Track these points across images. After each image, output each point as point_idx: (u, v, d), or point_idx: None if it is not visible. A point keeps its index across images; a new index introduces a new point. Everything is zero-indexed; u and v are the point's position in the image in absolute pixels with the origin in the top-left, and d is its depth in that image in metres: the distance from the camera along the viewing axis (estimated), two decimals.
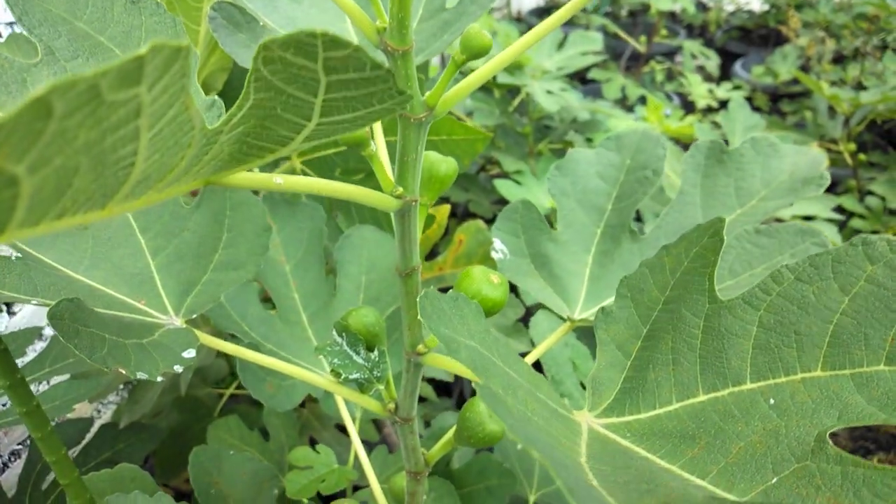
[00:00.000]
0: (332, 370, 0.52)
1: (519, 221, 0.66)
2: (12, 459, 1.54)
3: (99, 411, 1.83)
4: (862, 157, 2.44)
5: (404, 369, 0.50)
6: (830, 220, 1.62)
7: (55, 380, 1.12)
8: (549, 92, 1.89)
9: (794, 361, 0.33)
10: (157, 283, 0.52)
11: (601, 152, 0.69)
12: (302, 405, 1.36)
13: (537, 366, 1.11)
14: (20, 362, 1.17)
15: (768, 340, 0.33)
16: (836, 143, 2.39)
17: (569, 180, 0.68)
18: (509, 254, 0.65)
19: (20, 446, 1.55)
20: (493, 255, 0.64)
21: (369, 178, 0.90)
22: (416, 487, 0.58)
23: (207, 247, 0.53)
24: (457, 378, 1.73)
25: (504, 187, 1.83)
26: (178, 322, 0.51)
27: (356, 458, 1.03)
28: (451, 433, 0.57)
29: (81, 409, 1.65)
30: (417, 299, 0.34)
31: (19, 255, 0.47)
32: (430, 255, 1.37)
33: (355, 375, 0.52)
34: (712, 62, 2.77)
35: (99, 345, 0.39)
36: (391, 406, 0.53)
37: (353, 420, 0.97)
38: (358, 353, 0.52)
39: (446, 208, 1.25)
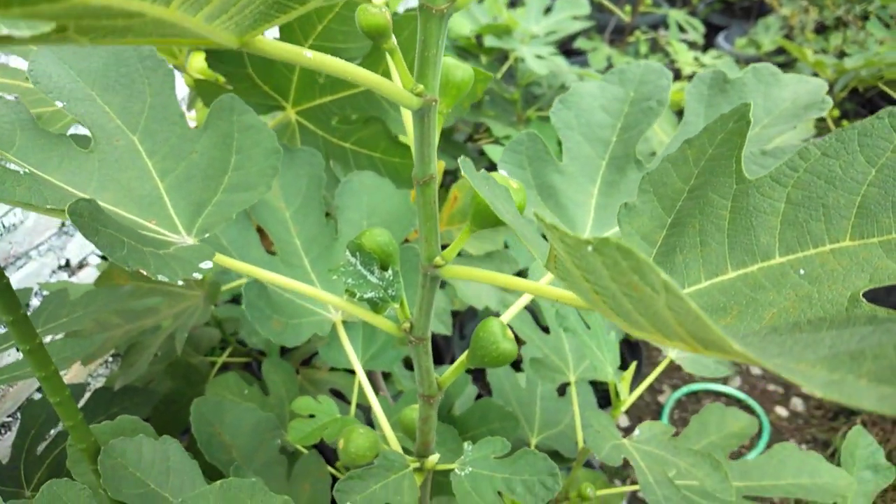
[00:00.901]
0: (346, 290, 0.52)
1: (525, 153, 0.66)
2: (2, 431, 1.52)
3: (89, 384, 1.82)
4: (845, 123, 2.47)
5: (420, 285, 0.50)
6: None
7: (48, 339, 1.11)
8: (538, 56, 1.89)
9: (822, 234, 0.33)
10: (167, 203, 0.51)
11: (604, 86, 0.69)
12: (296, 372, 1.36)
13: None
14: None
15: (796, 215, 0.34)
16: None
17: (573, 113, 0.68)
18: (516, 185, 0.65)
19: (10, 418, 1.53)
20: None
21: (367, 125, 0.90)
22: (429, 412, 0.58)
23: (216, 169, 0.52)
24: (449, 342, 1.74)
25: (495, 153, 1.83)
26: (191, 241, 0.50)
27: (357, 409, 1.03)
28: (463, 356, 0.57)
29: (75, 376, 1.64)
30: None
31: (27, 171, 0.47)
32: None
33: (370, 295, 0.52)
34: (697, 32, 2.78)
35: (118, 245, 0.38)
36: (406, 325, 0.53)
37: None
38: (372, 273, 0.52)
39: (440, 164, 1.24)
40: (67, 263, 1.77)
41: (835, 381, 0.16)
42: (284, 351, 1.47)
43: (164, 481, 0.68)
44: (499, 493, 0.58)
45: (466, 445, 0.61)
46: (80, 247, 1.78)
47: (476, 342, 0.55)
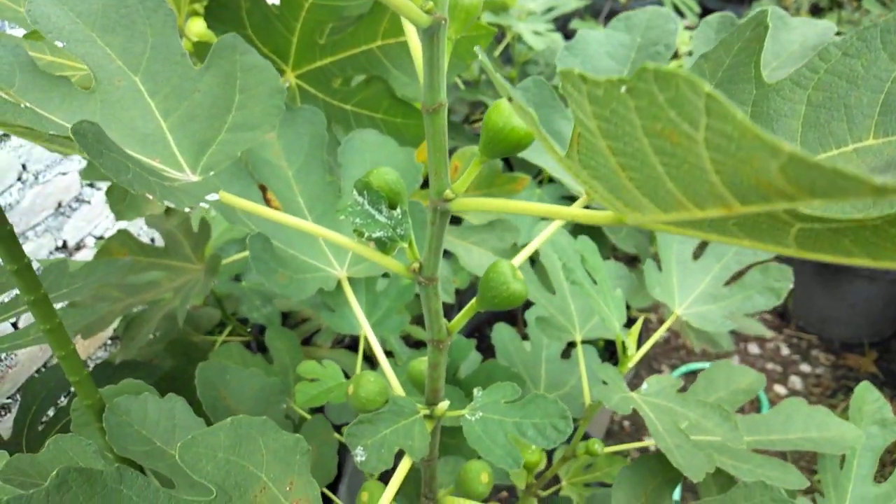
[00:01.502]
0: (354, 230, 0.51)
1: (531, 99, 0.66)
2: (2, 413, 1.51)
3: (87, 367, 1.81)
4: None
5: (429, 222, 0.49)
6: None
7: None
8: (536, 32, 1.88)
9: (844, 134, 0.33)
10: (171, 142, 0.50)
11: (610, 33, 0.68)
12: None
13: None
14: (12, 293, 1.14)
15: (817, 117, 0.33)
16: None
17: (578, 60, 0.67)
18: None
19: (9, 400, 1.52)
20: None
21: (369, 85, 0.89)
22: (438, 358, 0.58)
23: (220, 108, 0.52)
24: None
25: None
26: (195, 179, 0.49)
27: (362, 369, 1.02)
28: (473, 301, 0.57)
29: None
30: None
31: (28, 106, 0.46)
32: (424, 184, 1.35)
33: (378, 234, 0.51)
34: (693, 13, 2.77)
35: (124, 169, 0.37)
36: (415, 266, 0.53)
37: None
38: (380, 212, 0.51)
39: None
40: (65, 245, 1.76)
41: None
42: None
43: (170, 438, 0.67)
44: (511, 436, 0.57)
45: (476, 391, 0.61)
46: (77, 228, 1.77)
47: (485, 284, 0.54)
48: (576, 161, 0.27)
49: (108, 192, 0.85)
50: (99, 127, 0.37)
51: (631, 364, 0.80)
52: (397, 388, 0.67)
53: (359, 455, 0.54)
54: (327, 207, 0.79)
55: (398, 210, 0.52)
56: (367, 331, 0.72)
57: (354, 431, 0.55)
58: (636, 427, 2.16)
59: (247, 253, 1.39)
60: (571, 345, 1.08)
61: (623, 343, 0.79)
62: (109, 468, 0.38)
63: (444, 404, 0.60)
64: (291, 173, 0.80)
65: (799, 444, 0.79)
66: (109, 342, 1.90)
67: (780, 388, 2.37)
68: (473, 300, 0.56)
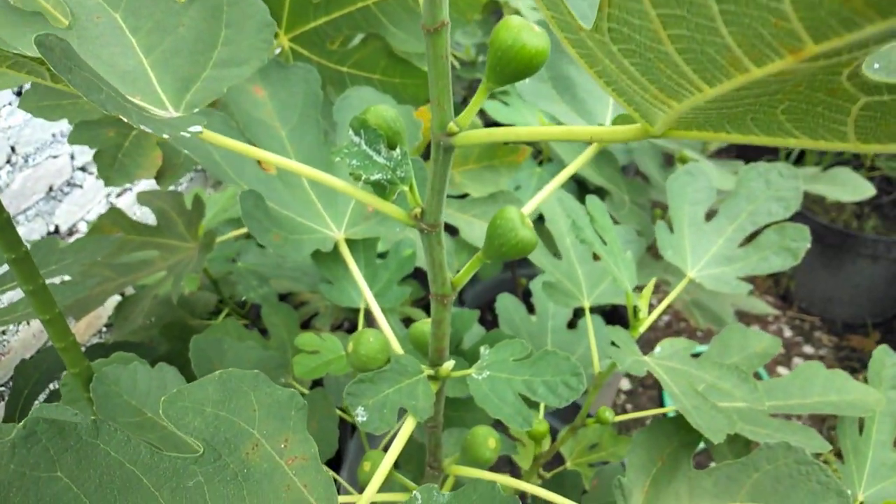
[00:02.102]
0: (350, 173, 0.47)
1: None
2: None
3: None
4: None
5: (432, 160, 0.46)
6: None
7: None
8: (534, 8, 1.83)
9: None
10: (153, 79, 0.46)
11: None
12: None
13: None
14: (1, 270, 1.10)
15: None
16: None
17: (586, 4, 0.64)
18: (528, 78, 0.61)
19: (3, 388, 1.49)
20: None
21: (365, 44, 0.85)
22: (442, 314, 0.54)
23: (205, 43, 0.48)
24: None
25: (492, 109, 1.78)
26: (178, 115, 0.46)
27: None
28: (479, 253, 0.53)
29: None
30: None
31: None
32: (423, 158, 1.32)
33: (376, 176, 0.47)
34: None
35: (95, 89, 0.34)
36: (417, 211, 0.49)
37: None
38: (378, 153, 0.48)
39: (426, 114, 1.20)
40: (57, 230, 1.72)
41: None
42: None
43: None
44: (520, 395, 0.54)
45: (483, 349, 0.57)
46: (69, 213, 1.73)
47: (493, 231, 0.50)
48: (604, 35, 0.24)
49: (97, 157, 0.82)
50: (68, 43, 0.34)
51: (642, 329, 0.77)
52: (399, 352, 0.64)
53: (360, 415, 0.51)
54: (323, 168, 0.75)
55: (398, 150, 0.48)
56: (367, 295, 0.69)
57: (354, 391, 0.51)
58: (639, 409, 2.13)
59: (242, 230, 1.36)
60: (577, 315, 1.05)
61: (634, 306, 0.76)
62: (84, 420, 0.35)
63: (448, 364, 0.57)
64: (285, 133, 0.76)
65: (818, 407, 0.75)
66: (105, 329, 1.87)
67: (783, 370, 2.34)
68: (480, 252, 0.53)
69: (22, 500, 0.31)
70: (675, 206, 0.83)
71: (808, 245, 0.77)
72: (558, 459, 1.35)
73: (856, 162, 2.26)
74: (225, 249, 1.52)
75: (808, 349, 2.40)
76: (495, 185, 1.21)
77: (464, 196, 1.22)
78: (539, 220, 1.22)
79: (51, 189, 1.67)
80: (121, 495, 0.35)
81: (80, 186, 1.77)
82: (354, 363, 0.55)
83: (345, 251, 0.70)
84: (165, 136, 0.36)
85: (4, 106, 1.53)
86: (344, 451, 1.29)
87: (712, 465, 0.61)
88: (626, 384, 2.32)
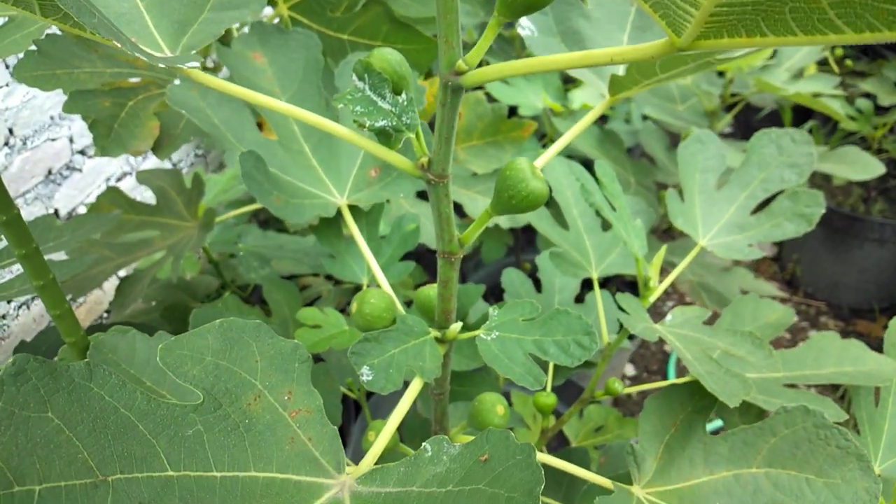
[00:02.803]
0: (354, 120, 0.46)
1: None
2: None
3: None
4: (849, 63, 2.40)
5: (439, 103, 0.44)
6: (835, 96, 1.58)
7: None
8: None
9: None
10: (148, 22, 0.45)
11: None
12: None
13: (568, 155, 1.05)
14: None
15: None
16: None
17: None
18: (537, 31, 0.59)
19: None
20: (520, 31, 0.58)
21: (366, 10, 0.83)
22: (449, 273, 0.53)
23: None
24: None
25: (494, 89, 1.76)
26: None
27: None
28: (487, 207, 0.52)
29: None
30: None
31: None
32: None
33: (381, 123, 0.45)
34: None
35: (87, 12, 0.32)
36: (423, 160, 0.47)
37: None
38: (383, 98, 0.46)
39: (432, 88, 1.18)
40: (56, 213, 1.70)
41: None
42: None
43: (160, 379, 0.62)
44: (530, 355, 0.52)
45: (492, 310, 0.56)
46: (68, 196, 1.72)
47: (502, 183, 0.49)
48: None
49: (92, 126, 0.80)
50: None
51: (653, 298, 0.75)
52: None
53: (365, 374, 0.49)
54: (324, 135, 0.73)
55: (404, 96, 0.46)
56: (371, 265, 0.67)
57: (359, 350, 0.50)
58: (644, 395, 2.11)
59: (243, 210, 1.34)
60: (585, 290, 1.03)
61: (644, 276, 0.74)
62: (77, 363, 0.33)
63: (456, 326, 0.55)
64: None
65: (833, 378, 0.74)
66: (105, 315, 1.85)
67: None
68: (488, 206, 0.51)
69: (11, 440, 0.29)
70: (685, 174, 0.81)
71: (823, 210, 0.75)
72: (563, 444, 1.33)
73: (863, 144, 2.24)
74: (226, 234, 1.50)
75: (814, 334, 2.39)
76: (499, 161, 1.19)
77: (468, 172, 1.20)
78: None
79: (50, 172, 1.65)
80: (115, 440, 0.33)
81: (80, 170, 1.75)
82: (359, 323, 0.53)
83: (348, 217, 0.68)
84: (161, 65, 0.34)
85: (1, 87, 1.51)
86: (348, 432, 1.28)
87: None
88: (630, 370, 2.30)
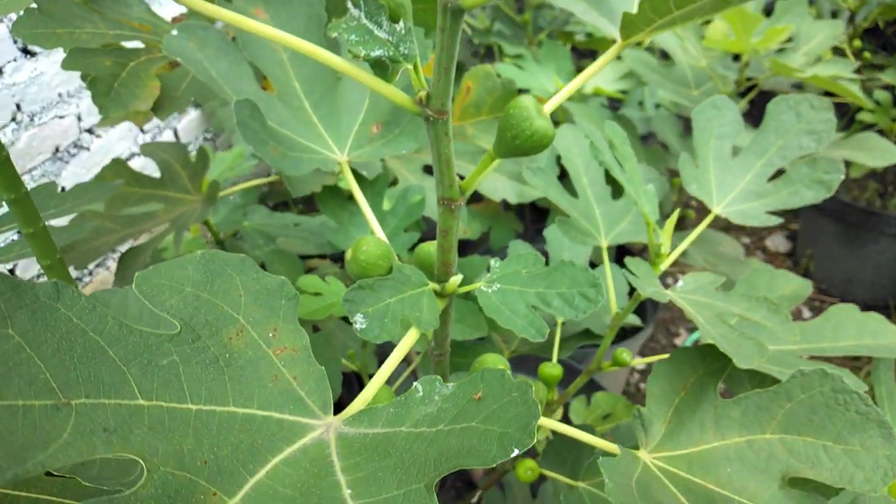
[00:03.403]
0: (349, 50, 0.43)
1: None
2: None
3: None
4: (867, 55, 2.35)
5: (438, 29, 0.41)
6: (852, 80, 1.54)
7: None
8: None
9: None
10: None
11: None
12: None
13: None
14: None
15: None
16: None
17: None
18: None
19: None
20: None
21: None
22: (450, 222, 0.50)
23: None
24: None
25: (505, 70, 1.74)
26: None
27: None
28: (490, 150, 0.49)
29: None
30: None
31: None
32: None
33: (377, 52, 0.43)
34: None
35: None
36: (422, 94, 0.45)
37: None
38: (380, 26, 0.43)
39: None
40: (63, 191, 1.69)
41: None
42: None
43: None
44: (533, 307, 0.50)
45: (493, 262, 0.53)
46: (76, 175, 1.71)
47: (505, 122, 0.46)
48: None
49: (91, 84, 0.78)
50: None
51: (664, 266, 0.72)
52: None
53: (358, 322, 0.47)
54: (325, 91, 0.71)
55: (401, 24, 0.44)
56: (375, 228, 0.64)
57: (353, 297, 0.47)
58: None
59: (250, 184, 1.32)
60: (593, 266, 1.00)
61: (655, 243, 0.71)
62: (44, 282, 0.31)
63: (456, 278, 0.52)
64: (286, 56, 0.72)
65: (852, 350, 0.71)
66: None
67: None
68: (490, 149, 0.49)
69: None
70: (700, 139, 0.78)
71: (842, 177, 0.72)
72: (568, 422, 1.31)
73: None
74: (234, 214, 1.49)
75: (832, 307, 2.34)
76: None
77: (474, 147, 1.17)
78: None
79: (57, 150, 1.64)
80: (81, 364, 0.31)
81: (87, 149, 1.74)
82: (353, 270, 0.51)
83: (349, 175, 0.66)
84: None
85: (9, 62, 1.50)
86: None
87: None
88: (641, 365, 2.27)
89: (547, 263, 0.98)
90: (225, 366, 0.36)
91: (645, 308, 1.80)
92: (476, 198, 2.03)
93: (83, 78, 0.82)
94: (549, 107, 0.51)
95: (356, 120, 0.70)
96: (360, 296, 0.48)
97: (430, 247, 0.59)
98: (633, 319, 0.94)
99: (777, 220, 0.72)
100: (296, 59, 0.72)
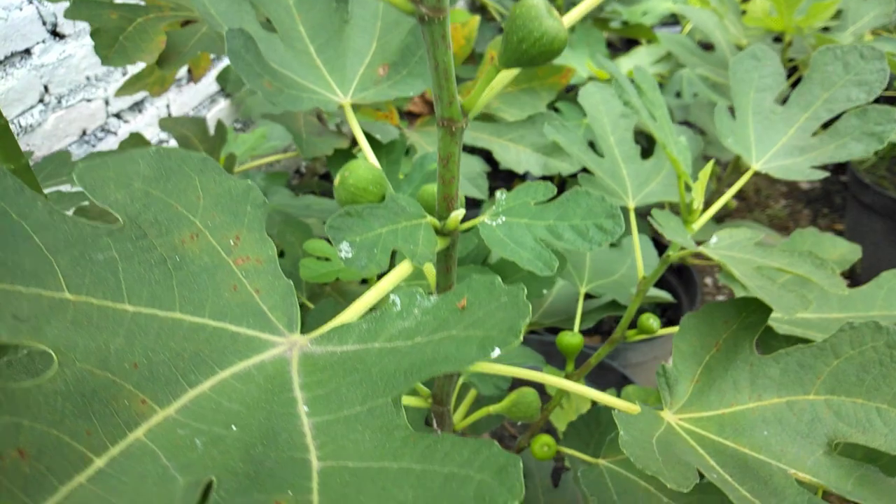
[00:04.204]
0: None
1: None
2: None
3: None
4: None
5: None
6: None
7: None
8: None
9: None
10: None
11: None
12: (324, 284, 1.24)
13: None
14: None
15: None
16: None
17: None
18: None
19: None
20: None
21: None
22: (451, 147, 0.45)
23: None
24: None
25: None
26: None
27: None
28: (495, 59, 0.44)
29: None
30: None
31: None
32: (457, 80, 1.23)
33: None
34: None
35: None
36: None
37: None
38: None
39: (475, 20, 1.11)
40: None
41: None
42: None
43: None
44: (541, 239, 0.44)
45: (499, 194, 0.48)
46: None
47: (511, 24, 0.41)
48: None
49: (95, 34, 0.75)
50: None
51: (696, 226, 0.66)
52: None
53: (343, 251, 0.42)
54: (331, 35, 0.67)
55: None
56: (359, 139, 0.59)
57: (339, 224, 0.42)
58: None
59: (269, 158, 1.29)
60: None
61: (686, 198, 0.65)
62: None
63: (458, 213, 0.47)
64: (293, 2, 0.68)
65: None
66: None
67: None
68: (495, 58, 0.44)
69: None
70: (738, 91, 0.72)
71: (895, 127, 0.65)
72: None
73: None
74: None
75: (884, 272, 2.21)
76: (534, 109, 1.11)
77: (499, 120, 1.12)
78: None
79: (84, 133, 1.64)
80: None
81: (115, 133, 1.73)
82: (341, 196, 0.46)
83: (350, 117, 0.61)
84: None
85: (38, 43, 1.50)
86: None
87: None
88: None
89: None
90: (174, 269, 0.31)
91: (680, 306, 1.72)
92: (501, 176, 1.97)
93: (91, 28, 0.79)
94: (568, 19, 0.46)
95: (362, 63, 0.66)
96: (348, 223, 0.43)
97: (432, 188, 0.54)
98: (662, 295, 0.88)
99: (822, 174, 0.65)
100: (302, 5, 0.68)
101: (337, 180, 0.46)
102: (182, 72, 1.86)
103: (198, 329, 0.30)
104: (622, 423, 0.41)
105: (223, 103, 2.14)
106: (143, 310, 0.29)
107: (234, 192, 0.34)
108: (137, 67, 1.49)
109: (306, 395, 0.28)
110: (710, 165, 0.64)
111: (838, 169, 2.52)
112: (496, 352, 0.25)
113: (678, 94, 1.99)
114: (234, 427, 0.26)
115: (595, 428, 0.78)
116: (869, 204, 2.19)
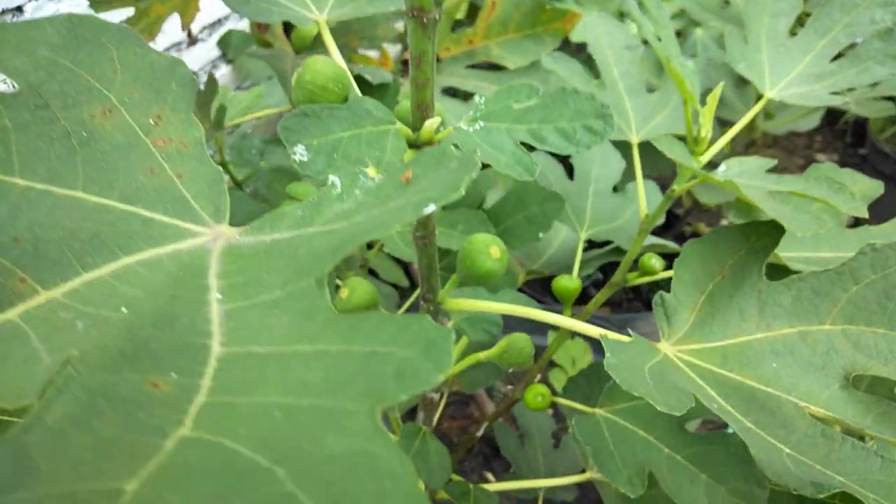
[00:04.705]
0: None
1: None
2: None
3: None
4: None
5: None
6: None
7: None
8: None
9: None
10: None
11: None
12: None
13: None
14: None
15: None
16: None
17: None
18: None
19: None
20: None
21: None
22: (423, 45, 0.40)
23: None
24: None
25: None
26: None
27: None
28: None
29: None
30: None
31: None
32: (457, 24, 1.18)
33: None
34: None
35: None
36: None
37: None
38: None
39: None
40: None
41: None
42: None
43: None
44: (522, 144, 0.39)
45: (478, 97, 0.43)
46: None
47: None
48: None
49: None
50: None
51: (704, 158, 0.60)
52: None
53: (298, 154, 0.37)
54: None
55: None
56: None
57: (292, 125, 0.38)
58: None
59: (262, 113, 1.25)
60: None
61: (693, 128, 0.60)
62: None
63: (433, 121, 0.42)
64: None
65: None
66: None
67: None
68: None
69: None
70: (751, 14, 0.66)
71: None
72: None
73: None
74: (247, 152, 1.42)
75: None
76: (537, 55, 1.05)
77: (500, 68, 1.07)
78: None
79: None
80: None
81: None
82: (298, 96, 0.41)
83: (326, 35, 0.56)
84: None
85: (30, 0, 1.47)
86: None
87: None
88: None
89: (571, 177, 0.88)
90: (79, 145, 0.27)
91: None
92: None
93: None
94: None
95: None
96: (304, 123, 0.38)
97: (408, 102, 0.49)
98: (667, 243, 0.82)
99: (842, 100, 0.60)
100: None
101: (294, 78, 0.41)
102: (181, 35, 1.81)
103: (101, 210, 0.26)
104: (610, 347, 0.37)
105: (224, 69, 2.10)
106: (36, 185, 0.25)
107: (158, 67, 0.30)
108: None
109: (222, 282, 0.24)
110: (718, 88, 0.59)
111: (857, 142, 2.43)
112: (430, 207, 0.21)
113: (692, 58, 1.92)
114: (124, 309, 0.22)
115: (595, 382, 0.73)
116: (890, 175, 2.11)
